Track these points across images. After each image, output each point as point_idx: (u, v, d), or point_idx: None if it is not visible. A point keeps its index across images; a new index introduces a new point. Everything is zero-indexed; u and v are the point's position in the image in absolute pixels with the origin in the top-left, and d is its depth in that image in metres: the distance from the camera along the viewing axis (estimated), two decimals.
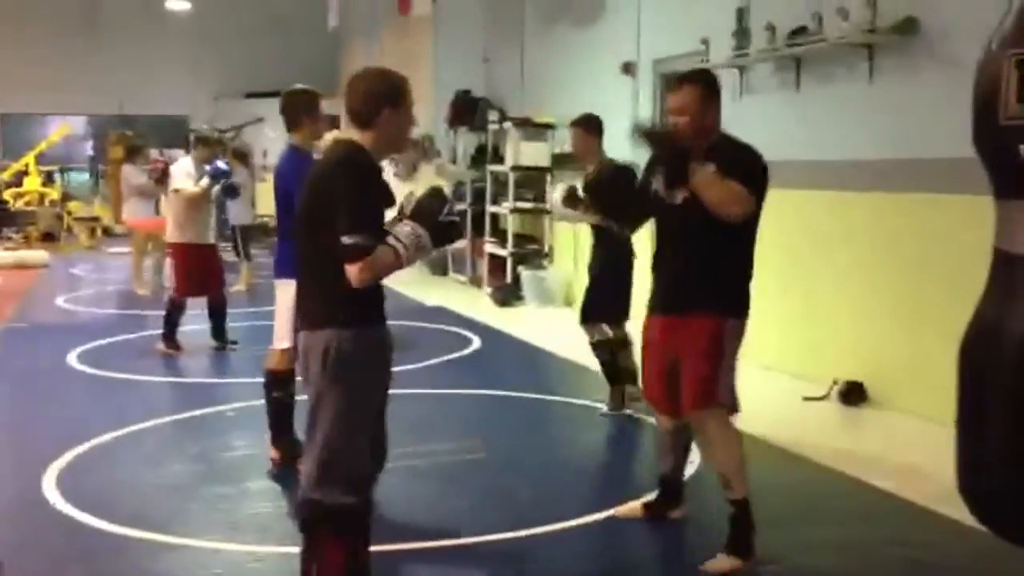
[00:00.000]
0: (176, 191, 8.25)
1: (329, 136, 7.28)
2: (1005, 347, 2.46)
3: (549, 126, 11.33)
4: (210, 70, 21.42)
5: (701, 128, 3.94)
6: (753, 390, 7.11)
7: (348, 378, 3.14)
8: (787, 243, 7.48)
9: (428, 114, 15.16)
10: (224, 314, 8.57)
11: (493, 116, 12.68)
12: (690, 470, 5.18)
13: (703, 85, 3.99)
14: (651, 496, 4.51)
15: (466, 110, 13.50)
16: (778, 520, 4.55)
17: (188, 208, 8.20)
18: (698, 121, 3.94)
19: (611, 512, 4.49)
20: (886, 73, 6.50)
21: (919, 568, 4.00)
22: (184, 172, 8.33)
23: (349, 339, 3.13)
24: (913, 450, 5.64)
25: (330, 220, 3.05)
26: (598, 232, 6.18)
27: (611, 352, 6.26)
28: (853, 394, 6.58)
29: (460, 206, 11.88)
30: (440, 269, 13.80)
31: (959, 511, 4.51)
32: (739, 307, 4.04)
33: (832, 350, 6.98)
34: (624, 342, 6.21)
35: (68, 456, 5.49)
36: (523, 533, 4.30)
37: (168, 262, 9.64)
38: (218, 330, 8.55)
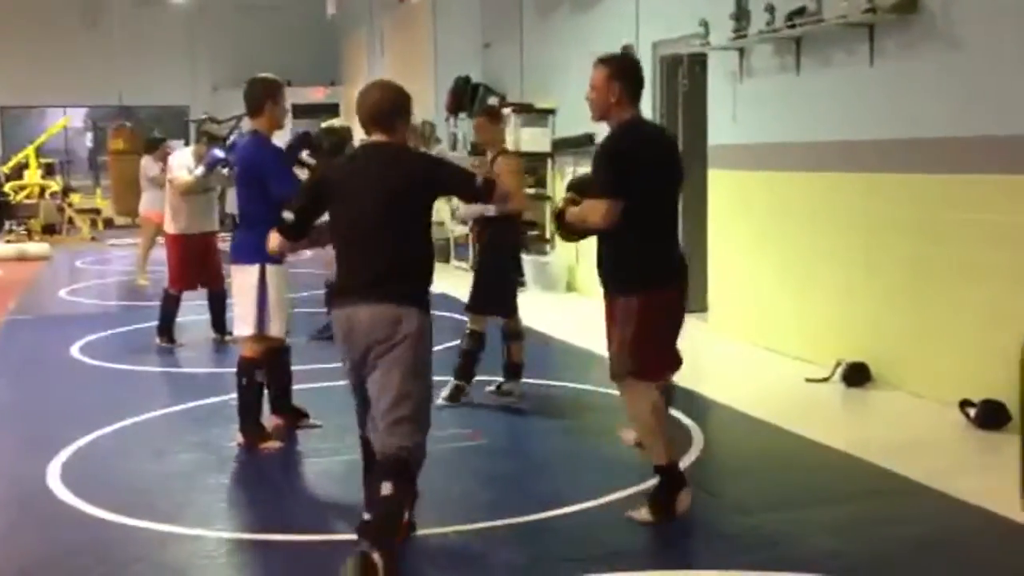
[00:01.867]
0: (170, 181, 8.27)
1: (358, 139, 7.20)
2: None
3: (549, 111, 11.31)
4: (209, 60, 21.39)
5: (605, 104, 4.35)
6: (755, 373, 7.16)
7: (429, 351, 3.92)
8: (789, 225, 7.46)
9: (428, 100, 15.13)
10: (224, 305, 8.56)
11: (493, 102, 12.65)
12: (692, 456, 5.19)
13: (610, 67, 4.41)
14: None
15: (466, 96, 13.47)
16: (784, 501, 4.55)
17: (181, 198, 8.20)
18: (603, 97, 4.35)
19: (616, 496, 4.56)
20: (886, 53, 6.47)
21: (923, 545, 4.00)
22: (180, 163, 8.33)
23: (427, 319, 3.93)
24: (917, 429, 5.63)
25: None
26: (493, 228, 6.30)
27: (478, 346, 6.35)
28: (857, 375, 6.56)
29: None
30: (442, 256, 13.79)
31: (962, 490, 4.52)
32: (645, 284, 4.27)
33: (835, 331, 6.97)
34: (520, 334, 6.37)
35: (72, 447, 5.50)
36: (523, 519, 4.30)
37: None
38: (218, 321, 8.52)
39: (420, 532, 4.17)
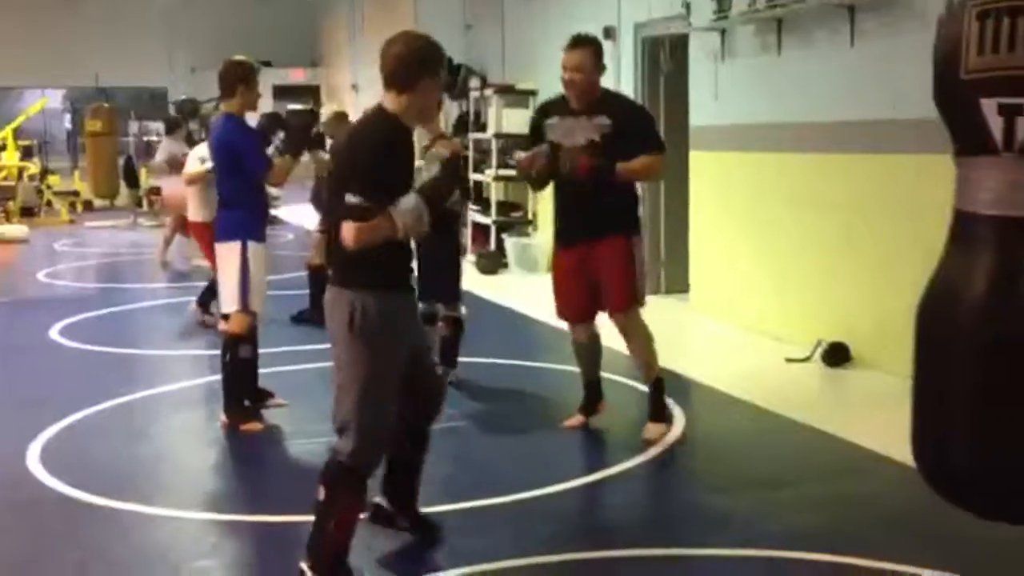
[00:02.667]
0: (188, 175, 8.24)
1: (328, 109, 7.14)
2: (964, 308, 2.39)
3: (531, 93, 11.28)
4: (187, 41, 21.22)
5: (594, 84, 4.85)
6: (735, 353, 7.19)
7: (368, 338, 3.33)
8: (770, 206, 7.48)
9: None
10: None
11: (475, 83, 12.61)
12: (672, 435, 5.21)
13: (595, 48, 4.85)
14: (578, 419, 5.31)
15: (448, 77, 13.41)
16: (764, 480, 4.58)
17: (202, 189, 8.14)
18: (593, 78, 4.82)
19: (564, 424, 5.27)
20: (867, 34, 6.48)
21: (901, 523, 4.03)
22: (197, 156, 8.28)
23: (372, 301, 3.33)
24: (896, 409, 5.64)
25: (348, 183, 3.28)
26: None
27: (456, 330, 6.24)
28: (836, 355, 6.60)
29: None
30: (424, 237, 13.76)
31: None
32: (639, 225, 5.17)
33: (815, 312, 7.00)
34: (462, 324, 6.28)
35: (53, 429, 5.47)
36: (503, 499, 4.31)
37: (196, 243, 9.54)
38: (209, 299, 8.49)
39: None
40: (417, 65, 3.39)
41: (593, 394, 5.34)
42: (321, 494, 3.39)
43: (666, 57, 9.02)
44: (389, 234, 3.28)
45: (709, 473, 4.86)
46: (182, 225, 11.85)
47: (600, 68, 4.88)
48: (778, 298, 7.43)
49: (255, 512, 4.33)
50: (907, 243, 6.25)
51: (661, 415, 5.14)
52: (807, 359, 6.68)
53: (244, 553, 4.08)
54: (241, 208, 5.38)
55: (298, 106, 5.94)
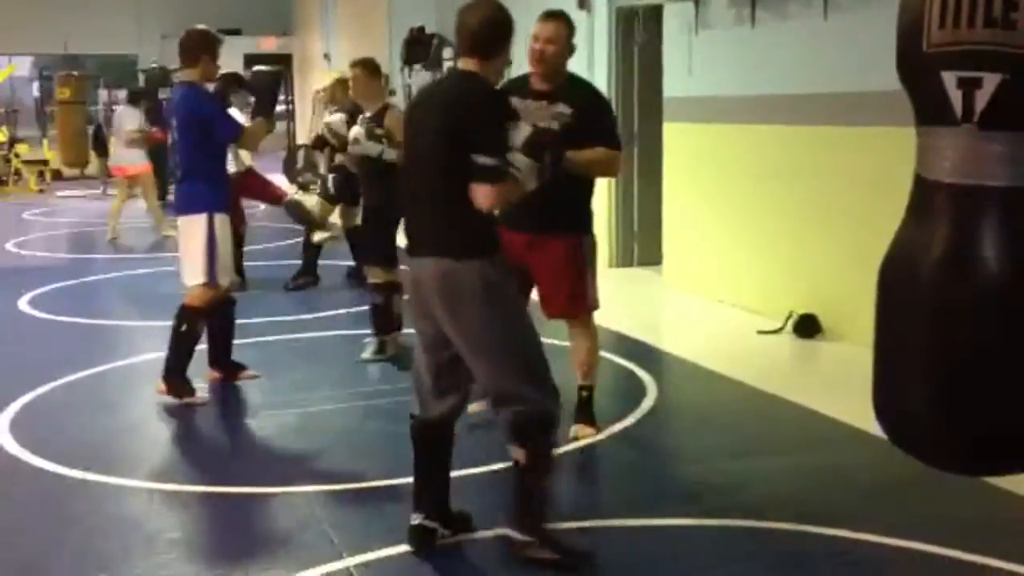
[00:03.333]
0: None
1: (328, 78, 6.98)
2: (922, 271, 2.50)
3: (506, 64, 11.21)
4: (157, 8, 20.91)
5: (563, 59, 4.53)
6: (708, 325, 7.23)
7: (505, 300, 3.34)
8: (743, 178, 7.50)
9: (382, 52, 14.94)
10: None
11: (448, 53, 12.53)
12: (645, 407, 5.24)
13: (569, 23, 4.55)
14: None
15: (420, 47, 13.32)
16: (735, 451, 4.62)
17: None
18: (563, 52, 4.50)
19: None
20: (841, 7, 6.48)
21: (872, 493, 4.09)
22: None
23: (494, 265, 3.35)
24: (866, 380, 5.69)
25: (471, 146, 3.23)
26: (380, 170, 6.08)
27: (387, 296, 6.22)
28: (807, 326, 6.65)
29: None
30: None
31: None
32: (591, 223, 4.72)
33: (787, 284, 7.04)
34: (396, 286, 6.21)
35: (22, 401, 5.44)
36: (479, 470, 4.32)
37: None
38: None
39: (377, 484, 4.20)
40: (502, 33, 3.45)
41: None
42: (525, 457, 3.37)
43: (640, 29, 8.99)
44: (517, 194, 3.34)
45: (681, 444, 4.90)
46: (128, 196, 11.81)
47: (571, 48, 4.58)
48: (750, 270, 7.47)
49: (227, 483, 4.32)
50: (877, 215, 6.28)
51: (592, 418, 4.80)
52: (778, 331, 6.73)
53: (217, 523, 4.08)
54: (205, 180, 5.31)
55: (264, 67, 5.84)
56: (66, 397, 5.62)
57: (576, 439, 4.64)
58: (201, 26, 5.53)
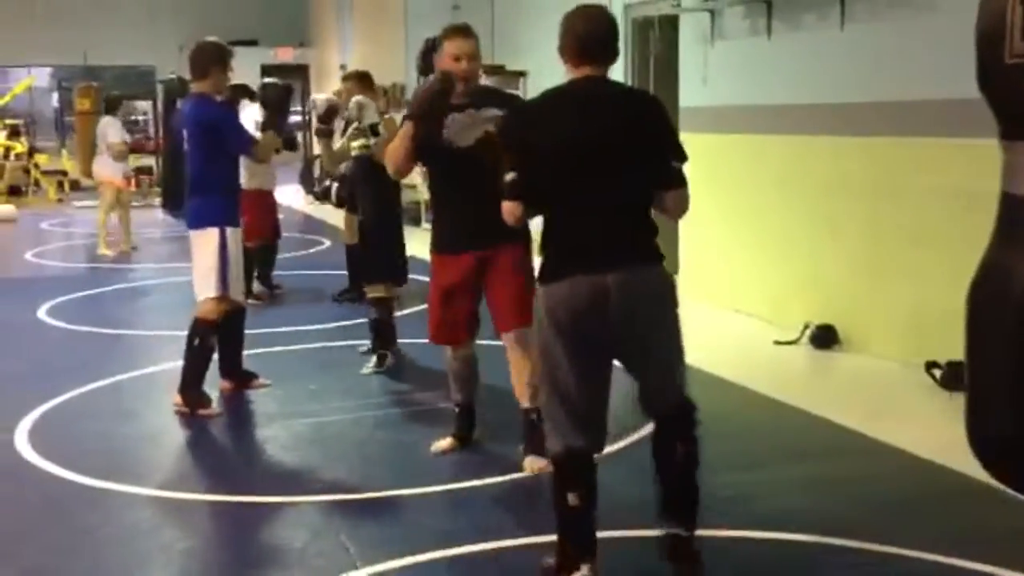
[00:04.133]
0: None
1: (356, 99, 6.96)
2: (1012, 291, 2.43)
3: (520, 74, 11.23)
4: (176, 19, 21.06)
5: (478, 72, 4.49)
6: (724, 334, 7.20)
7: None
8: (759, 188, 7.49)
9: (398, 63, 15.00)
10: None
11: None
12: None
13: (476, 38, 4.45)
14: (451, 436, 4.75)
15: (435, 58, 13.34)
16: (751, 461, 4.60)
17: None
18: (477, 66, 4.44)
19: (432, 449, 4.69)
20: (856, 18, 6.47)
21: (889, 504, 4.06)
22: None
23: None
24: (883, 391, 5.70)
25: (658, 153, 3.27)
26: (372, 176, 6.06)
27: (390, 311, 6.30)
28: (824, 337, 6.62)
29: None
30: (411, 219, 13.72)
31: (928, 450, 4.59)
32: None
33: (803, 294, 7.02)
34: (394, 302, 6.35)
35: (41, 409, 5.47)
36: (486, 481, 4.32)
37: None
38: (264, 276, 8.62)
39: (391, 493, 4.21)
40: (616, 38, 3.41)
41: (472, 417, 4.76)
42: (688, 446, 3.38)
43: (656, 38, 8.99)
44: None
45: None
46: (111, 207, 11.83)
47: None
48: (766, 280, 7.45)
49: (242, 493, 4.33)
50: (894, 227, 6.27)
51: (542, 446, 3.94)
52: (795, 341, 6.70)
53: (232, 532, 4.09)
54: (216, 193, 5.31)
55: (274, 80, 5.86)
56: (84, 406, 5.64)
57: (531, 471, 4.33)
58: (212, 38, 5.55)
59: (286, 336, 6.97)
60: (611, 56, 3.35)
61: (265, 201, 8.40)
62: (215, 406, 5.43)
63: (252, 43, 20.07)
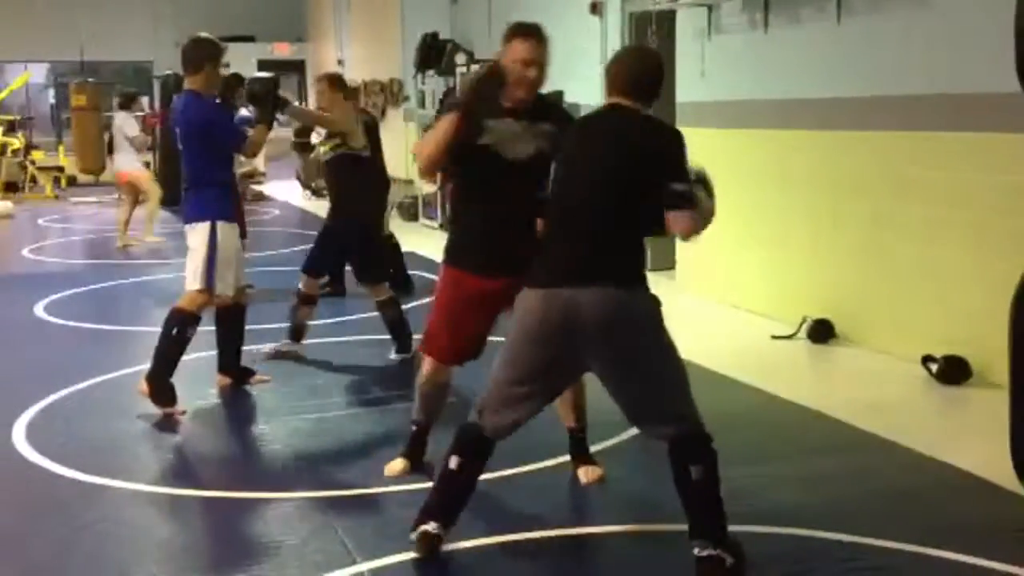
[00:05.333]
0: None
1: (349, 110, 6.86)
2: None
3: None
4: (173, 15, 21.00)
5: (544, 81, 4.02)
6: (722, 329, 7.21)
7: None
8: (756, 182, 7.49)
9: (395, 58, 14.99)
10: None
11: (461, 59, 12.55)
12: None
13: (547, 41, 3.98)
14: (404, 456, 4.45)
15: (433, 53, 13.35)
16: (749, 456, 4.60)
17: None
18: (545, 74, 3.97)
19: (386, 473, 4.38)
20: (854, 11, 6.48)
21: (887, 498, 4.07)
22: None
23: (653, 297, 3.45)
24: (880, 385, 5.71)
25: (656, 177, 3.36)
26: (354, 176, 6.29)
27: (399, 308, 6.34)
28: (822, 332, 6.63)
29: None
30: (409, 214, 13.73)
31: (924, 444, 4.60)
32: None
33: (801, 288, 7.03)
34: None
35: (38, 406, 5.46)
36: (489, 476, 4.32)
37: None
38: None
39: (390, 489, 4.21)
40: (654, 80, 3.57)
41: (424, 443, 4.43)
42: (704, 472, 3.39)
43: (653, 33, 8.99)
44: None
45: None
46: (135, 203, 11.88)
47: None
48: (764, 275, 7.45)
49: (241, 488, 4.33)
50: (892, 221, 6.27)
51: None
52: (792, 336, 6.71)
53: (230, 528, 4.08)
54: (212, 187, 5.33)
55: (261, 74, 5.84)
56: (81, 402, 5.64)
57: (586, 480, 4.31)
58: (205, 34, 5.55)
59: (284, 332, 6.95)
60: (638, 91, 3.50)
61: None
62: (181, 407, 5.33)
63: (249, 39, 20.03)
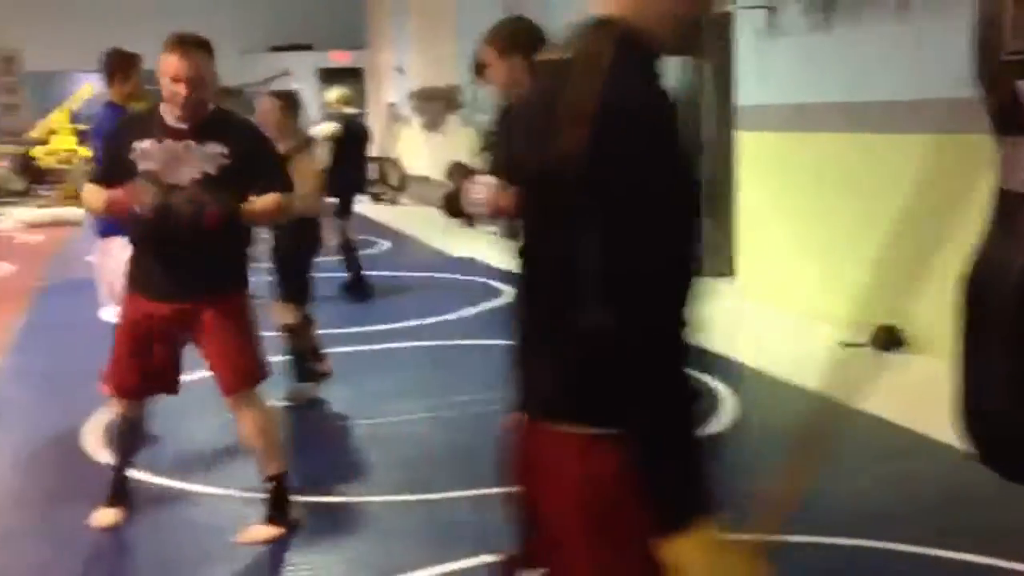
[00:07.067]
0: None
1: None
2: (1007, 286, 2.43)
3: None
4: (234, 24, 21.28)
5: (207, 96, 3.87)
6: (785, 337, 7.12)
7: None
8: (818, 186, 7.40)
9: (452, 64, 15.05)
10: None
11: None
12: (725, 422, 5.16)
13: (210, 50, 4.03)
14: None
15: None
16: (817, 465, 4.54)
17: None
18: (206, 88, 3.86)
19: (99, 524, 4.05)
20: (919, 11, 6.37)
21: (951, 501, 4.03)
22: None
23: None
24: (949, 393, 5.59)
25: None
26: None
27: (302, 338, 5.75)
28: (889, 339, 6.53)
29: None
30: (467, 220, 13.75)
31: None
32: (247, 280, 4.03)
33: (866, 295, 6.92)
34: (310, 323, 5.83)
35: (106, 408, 5.54)
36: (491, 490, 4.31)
37: None
38: None
39: (379, 499, 4.25)
40: None
41: (126, 487, 4.14)
42: None
43: (711, 34, 8.93)
44: None
45: (762, 459, 4.82)
46: None
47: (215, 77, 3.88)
48: (829, 281, 7.35)
49: (307, 493, 4.35)
50: (961, 226, 6.14)
51: (278, 517, 3.94)
52: (859, 343, 6.61)
53: (297, 531, 4.11)
54: None
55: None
56: (152, 405, 5.70)
57: (247, 540, 3.90)
58: (119, 48, 5.80)
59: (353, 336, 6.99)
60: None
61: None
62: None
63: (306, 48, 20.25)
